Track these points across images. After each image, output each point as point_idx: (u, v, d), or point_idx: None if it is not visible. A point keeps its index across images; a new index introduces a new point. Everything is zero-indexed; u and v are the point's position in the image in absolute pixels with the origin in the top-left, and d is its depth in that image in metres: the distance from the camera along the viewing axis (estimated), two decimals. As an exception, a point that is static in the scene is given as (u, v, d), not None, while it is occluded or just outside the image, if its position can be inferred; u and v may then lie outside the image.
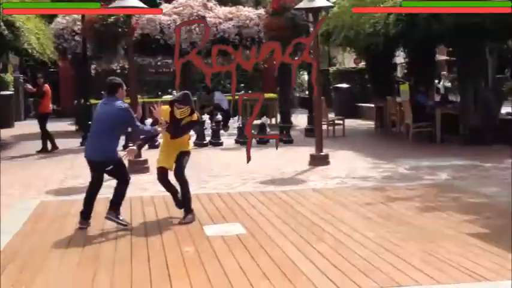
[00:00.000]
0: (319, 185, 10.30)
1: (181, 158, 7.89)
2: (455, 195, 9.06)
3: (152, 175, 11.45)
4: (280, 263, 5.91)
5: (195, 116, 7.91)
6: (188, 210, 7.80)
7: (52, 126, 16.22)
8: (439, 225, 7.33)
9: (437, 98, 18.11)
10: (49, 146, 15.53)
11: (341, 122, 18.05)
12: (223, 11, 20.23)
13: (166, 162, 7.91)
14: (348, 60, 32.69)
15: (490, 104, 14.93)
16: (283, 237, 6.88)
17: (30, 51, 15.22)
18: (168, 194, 9.45)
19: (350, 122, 19.68)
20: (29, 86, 16.54)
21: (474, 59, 14.55)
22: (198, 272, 5.73)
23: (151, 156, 12.63)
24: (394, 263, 5.81)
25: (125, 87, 7.83)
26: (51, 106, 16.07)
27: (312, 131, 16.17)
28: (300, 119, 21.38)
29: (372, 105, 20.98)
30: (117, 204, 7.61)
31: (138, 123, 7.73)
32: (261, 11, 20.04)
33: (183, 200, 7.91)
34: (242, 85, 26.52)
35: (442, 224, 7.35)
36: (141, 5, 11.55)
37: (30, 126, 23.26)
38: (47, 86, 15.85)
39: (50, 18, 19.56)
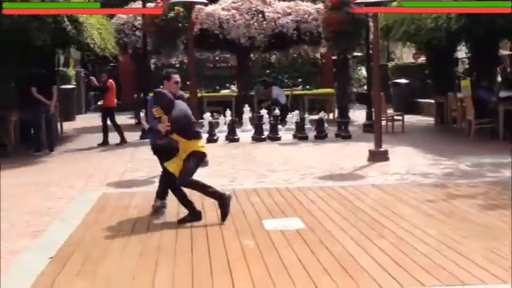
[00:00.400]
0: (379, 181, 10.18)
1: (187, 162, 7.39)
2: (519, 193, 8.85)
3: (211, 168, 11.57)
4: (341, 258, 5.87)
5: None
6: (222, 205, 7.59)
7: (112, 119, 16.47)
8: (502, 223, 7.16)
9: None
10: (107, 139, 15.78)
11: (400, 117, 17.84)
12: (281, 5, 20.20)
13: (176, 168, 7.49)
14: (406, 55, 32.28)
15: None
16: (342, 233, 6.83)
17: (92, 46, 15.50)
18: (225, 187, 9.56)
19: (409, 118, 19.41)
20: (94, 80, 16.86)
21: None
22: (258, 265, 5.74)
23: (210, 150, 12.77)
24: (457, 261, 5.70)
25: (175, 79, 7.84)
26: (115, 101, 16.33)
27: (370, 127, 16.03)
28: (357, 115, 21.23)
29: (432, 100, 20.66)
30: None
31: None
32: (320, 5, 19.93)
33: (216, 199, 7.63)
34: (300, 80, 26.44)
35: (505, 222, 7.17)
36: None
37: (91, 119, 23.74)
38: (110, 81, 16.17)
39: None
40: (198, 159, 7.53)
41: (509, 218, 7.32)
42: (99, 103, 27.87)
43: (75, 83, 26.39)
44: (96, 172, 11.59)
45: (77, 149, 15.29)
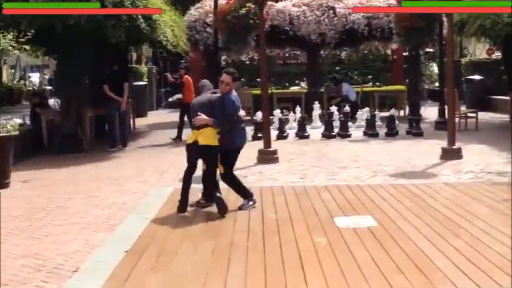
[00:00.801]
0: (452, 179, 10.00)
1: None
2: None
3: (281, 165, 11.61)
4: (414, 257, 5.79)
5: None
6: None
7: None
8: None
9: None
10: (181, 135, 15.93)
11: (474, 114, 17.46)
12: (353, 1, 20.02)
13: None
14: (479, 50, 31.59)
15: None
16: (416, 231, 6.73)
17: (164, 43, 15.72)
18: (296, 184, 9.57)
19: (482, 115, 18.96)
20: (169, 76, 17.07)
21: None
22: (330, 262, 5.72)
23: (280, 147, 12.80)
24: (536, 262, 5.56)
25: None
26: (193, 96, 16.49)
27: (443, 124, 15.78)
28: (429, 112, 20.89)
29: (506, 97, 20.16)
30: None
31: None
32: (392, 0, 19.67)
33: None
34: (370, 76, 26.19)
35: None
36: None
37: (162, 115, 24.13)
38: (187, 77, 16.38)
39: (183, 10, 20.13)
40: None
41: None
42: (170, 99, 28.38)
43: (147, 80, 26.84)
44: (169, 168, 11.76)
45: (149, 145, 15.56)
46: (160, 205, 8.36)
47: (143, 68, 27.67)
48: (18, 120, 15.46)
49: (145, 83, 26.22)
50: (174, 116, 23.50)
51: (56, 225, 7.52)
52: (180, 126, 16.01)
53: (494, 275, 5.23)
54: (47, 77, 51.48)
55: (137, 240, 6.65)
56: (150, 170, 11.62)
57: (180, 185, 9.78)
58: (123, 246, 6.40)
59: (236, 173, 8.12)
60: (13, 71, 51.17)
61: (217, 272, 5.57)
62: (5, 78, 43.50)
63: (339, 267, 5.59)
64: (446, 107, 15.43)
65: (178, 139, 15.86)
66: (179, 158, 12.95)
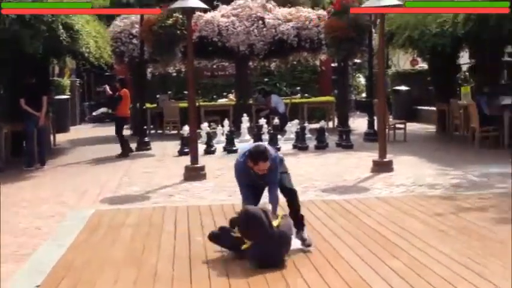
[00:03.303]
0: (384, 193, 9.76)
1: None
2: (533, 205, 8.40)
3: (209, 182, 11.14)
4: (351, 281, 5.43)
5: None
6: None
7: (107, 130, 16.01)
8: (518, 239, 6.71)
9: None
10: (129, 148, 15.32)
11: (402, 126, 17.40)
12: (282, 12, 19.86)
13: None
14: (402, 61, 31.85)
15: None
16: (351, 252, 6.37)
17: (86, 55, 15.04)
18: (224, 203, 9.09)
19: (409, 126, 18.91)
20: (108, 89, 16.33)
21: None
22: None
23: (207, 162, 12.35)
24: (477, 283, 5.27)
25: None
26: (129, 111, 15.82)
27: (372, 136, 15.70)
28: (357, 123, 20.82)
29: (431, 108, 20.32)
30: None
31: None
32: (321, 11, 19.58)
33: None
34: (298, 88, 26.02)
35: (522, 238, 6.73)
36: (202, 5, 11.27)
37: (85, 130, 23.35)
38: (124, 90, 15.64)
39: (108, 21, 19.45)
40: None
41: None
42: (94, 113, 27.59)
43: (69, 93, 25.95)
44: (90, 187, 11.11)
45: (70, 163, 14.75)
46: (79, 230, 7.73)
47: (65, 81, 26.71)
48: None
49: (68, 96, 25.30)
50: (98, 130, 22.84)
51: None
52: (122, 140, 15.30)
53: (436, 301, 4.92)
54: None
55: (51, 272, 6.02)
56: (69, 190, 10.93)
57: (101, 206, 9.29)
58: (35, 279, 5.79)
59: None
60: None
61: (138, 306, 5.08)
62: None
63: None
64: (375, 118, 15.33)
65: (124, 155, 15.07)
66: (100, 176, 12.40)
